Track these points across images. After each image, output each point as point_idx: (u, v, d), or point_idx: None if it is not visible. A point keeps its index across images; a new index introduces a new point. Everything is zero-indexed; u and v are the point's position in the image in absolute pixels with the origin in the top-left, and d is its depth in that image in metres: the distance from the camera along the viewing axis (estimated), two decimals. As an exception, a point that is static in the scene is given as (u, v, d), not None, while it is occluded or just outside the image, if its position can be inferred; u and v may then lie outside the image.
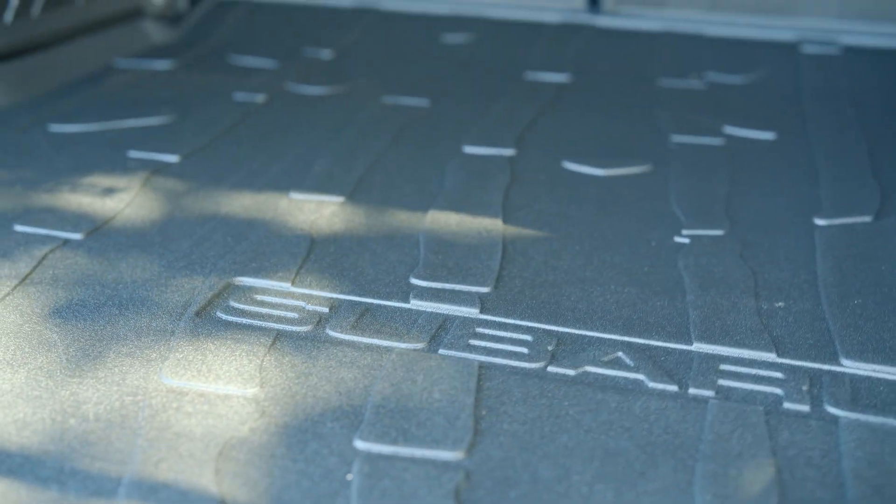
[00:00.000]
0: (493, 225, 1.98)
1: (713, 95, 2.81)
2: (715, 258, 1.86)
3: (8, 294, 1.69)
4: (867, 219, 2.03)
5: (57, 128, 2.48)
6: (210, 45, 3.27)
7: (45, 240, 1.89)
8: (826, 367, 1.53)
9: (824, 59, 3.10)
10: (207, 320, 1.63)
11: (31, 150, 2.35)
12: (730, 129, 2.53)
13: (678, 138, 2.47)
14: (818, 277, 1.80)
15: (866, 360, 1.54)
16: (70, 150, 2.34)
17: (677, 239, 1.94)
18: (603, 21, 3.36)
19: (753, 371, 1.52)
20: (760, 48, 3.18)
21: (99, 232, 1.92)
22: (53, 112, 2.59)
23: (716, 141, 2.46)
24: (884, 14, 3.25)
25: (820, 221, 2.02)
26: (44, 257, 1.82)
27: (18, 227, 1.93)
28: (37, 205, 2.03)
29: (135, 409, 1.40)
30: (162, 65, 3.05)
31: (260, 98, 2.74)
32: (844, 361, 1.54)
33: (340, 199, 2.10)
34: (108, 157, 2.30)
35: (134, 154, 2.31)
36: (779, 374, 1.51)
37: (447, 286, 1.74)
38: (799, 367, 1.53)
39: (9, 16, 2.79)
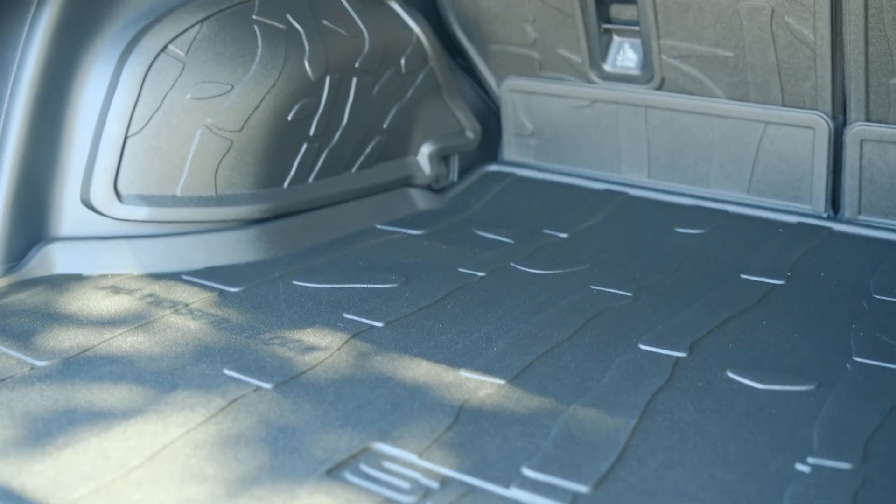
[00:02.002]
0: (624, 425, 2.12)
1: (926, 317, 2.76)
2: (824, 491, 1.89)
3: (192, 430, 2.06)
4: None
5: (299, 282, 2.90)
6: (463, 216, 3.63)
7: (241, 385, 2.26)
8: None
9: None
10: (334, 477, 1.90)
11: (269, 301, 2.77)
12: (925, 358, 2.50)
13: (861, 360, 2.47)
14: (924, 530, 1.78)
15: None
16: (299, 305, 2.74)
17: (798, 466, 1.98)
18: (840, 226, 3.37)
19: None
20: None
21: (285, 384, 2.27)
22: (302, 268, 3.02)
23: (901, 368, 2.44)
24: None
25: (963, 470, 1.98)
26: (234, 400, 2.19)
27: (226, 371, 2.32)
28: (249, 352, 2.42)
29: (240, 546, 1.69)
30: (414, 232, 3.44)
31: (480, 273, 3.03)
32: None
33: (502, 381, 2.32)
34: (325, 315, 2.67)
35: (347, 315, 2.67)
36: None
37: (551, 480, 1.91)
38: None
39: (286, 182, 3.30)
